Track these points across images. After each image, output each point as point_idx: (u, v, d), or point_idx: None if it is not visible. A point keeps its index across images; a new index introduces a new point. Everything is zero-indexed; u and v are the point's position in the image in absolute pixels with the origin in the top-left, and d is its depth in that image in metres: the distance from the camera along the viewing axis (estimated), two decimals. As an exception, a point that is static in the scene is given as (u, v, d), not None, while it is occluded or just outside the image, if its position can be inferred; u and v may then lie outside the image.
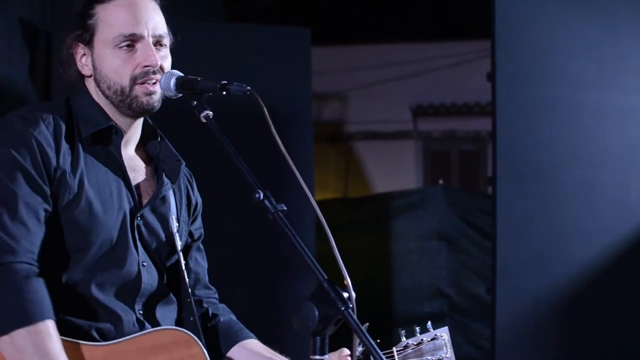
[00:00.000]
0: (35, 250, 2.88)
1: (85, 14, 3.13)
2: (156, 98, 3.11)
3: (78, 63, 3.17)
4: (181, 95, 3.05)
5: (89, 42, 3.13)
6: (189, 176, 3.46)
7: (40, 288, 2.83)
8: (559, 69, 6.48)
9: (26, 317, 2.77)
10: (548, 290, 6.41)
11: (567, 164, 6.47)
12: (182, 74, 3.07)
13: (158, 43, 3.13)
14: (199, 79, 2.98)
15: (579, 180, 6.47)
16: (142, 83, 3.08)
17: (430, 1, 13.18)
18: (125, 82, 3.08)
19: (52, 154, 2.97)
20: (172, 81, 3.04)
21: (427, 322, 3.28)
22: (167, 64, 3.14)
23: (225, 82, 2.90)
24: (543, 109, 6.46)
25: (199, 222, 3.48)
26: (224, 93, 2.90)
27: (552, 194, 6.46)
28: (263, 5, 12.62)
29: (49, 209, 2.95)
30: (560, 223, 6.44)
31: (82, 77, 3.21)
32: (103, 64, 3.11)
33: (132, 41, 3.08)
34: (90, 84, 3.19)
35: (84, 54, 3.15)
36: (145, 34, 3.10)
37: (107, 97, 3.13)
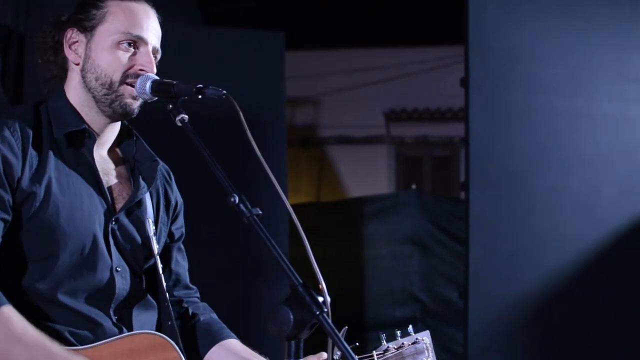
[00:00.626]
0: None
1: (94, 5, 3.13)
2: (137, 104, 3.11)
3: (67, 49, 3.15)
4: (157, 98, 3.05)
5: (89, 30, 3.12)
6: (167, 175, 3.43)
7: None
8: (532, 75, 6.50)
9: None
10: (520, 295, 6.44)
11: (539, 170, 6.50)
12: (157, 78, 3.08)
13: (153, 55, 3.15)
14: (175, 82, 2.98)
15: (551, 186, 6.50)
16: (131, 84, 3.07)
17: (404, 6, 13.19)
18: (117, 77, 3.08)
19: (16, 162, 2.94)
20: (148, 84, 3.04)
21: (404, 326, 3.28)
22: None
23: (201, 85, 2.90)
24: (516, 115, 6.49)
25: (180, 221, 3.46)
26: (200, 97, 2.90)
27: (524, 199, 6.49)
28: (238, 8, 12.60)
29: (7, 218, 2.92)
30: (532, 228, 6.47)
31: (64, 70, 3.19)
32: (99, 54, 3.10)
33: (135, 42, 3.11)
34: (74, 76, 3.16)
35: (77, 41, 3.14)
36: (149, 41, 3.13)
37: (90, 88, 3.11)
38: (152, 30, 3.15)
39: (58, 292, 2.98)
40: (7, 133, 2.96)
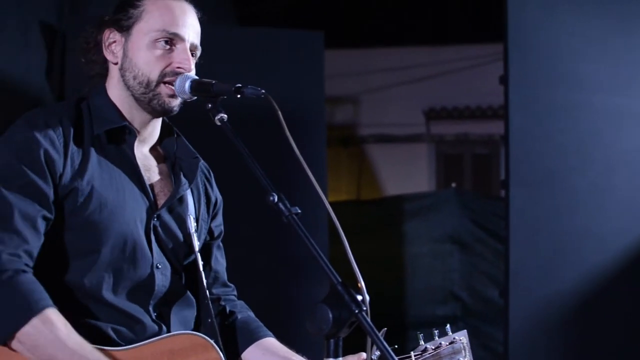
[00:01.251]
0: (27, 257, 2.87)
1: (131, 3, 3.15)
2: (176, 102, 3.12)
3: (105, 49, 3.17)
4: (196, 98, 3.07)
5: (127, 30, 3.14)
6: (207, 172, 3.45)
7: (27, 282, 2.82)
8: (572, 73, 6.46)
9: (21, 315, 2.77)
10: (560, 293, 6.40)
11: (579, 168, 6.46)
12: (197, 77, 3.09)
13: (191, 52, 3.15)
14: (214, 82, 3.00)
15: (592, 183, 6.46)
16: (169, 83, 3.09)
17: (443, 5, 13.16)
18: (154, 76, 3.09)
19: (58, 159, 2.97)
20: (187, 84, 3.05)
21: (444, 325, 3.26)
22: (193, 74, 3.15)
23: (240, 85, 2.91)
24: (556, 113, 6.45)
25: (219, 219, 3.47)
26: (239, 96, 2.91)
27: (564, 197, 6.45)
28: (275, 8, 12.63)
29: (50, 216, 2.94)
30: (572, 226, 6.43)
31: (105, 69, 3.21)
32: (136, 53, 3.11)
33: (172, 40, 3.11)
34: (114, 75, 3.19)
35: (115, 41, 3.16)
36: (186, 38, 3.13)
37: (129, 87, 3.13)
38: (189, 27, 3.15)
39: (99, 287, 3.01)
40: (49, 130, 2.99)
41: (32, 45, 6.33)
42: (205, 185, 3.41)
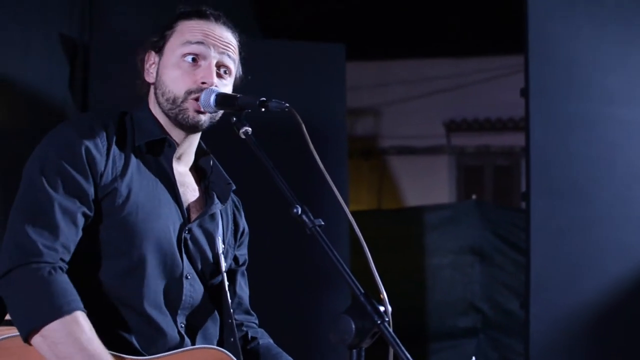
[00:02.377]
0: (64, 251, 2.91)
1: (166, 25, 3.24)
2: (204, 118, 3.16)
3: (145, 70, 3.25)
4: (221, 111, 3.12)
5: (160, 50, 3.22)
6: (237, 202, 3.50)
7: (63, 282, 2.86)
8: (593, 84, 6.46)
9: (52, 311, 2.80)
10: (582, 305, 6.39)
11: (601, 180, 6.45)
12: (221, 91, 3.13)
13: (221, 71, 3.21)
14: (239, 95, 3.04)
15: (613, 195, 6.44)
16: (195, 99, 3.13)
17: (463, 16, 13.17)
18: (180, 92, 3.14)
19: (100, 158, 3.02)
20: (212, 98, 3.09)
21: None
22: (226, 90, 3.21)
23: (265, 99, 2.95)
24: (577, 125, 6.45)
25: (244, 248, 3.51)
26: (263, 110, 2.96)
27: (586, 209, 6.44)
28: (296, 20, 12.67)
29: (89, 213, 2.99)
30: (594, 238, 6.41)
31: (148, 88, 3.29)
32: (165, 72, 3.18)
33: (197, 56, 3.16)
34: (152, 93, 3.26)
35: (153, 62, 3.24)
36: (211, 54, 3.18)
37: (160, 104, 3.20)
38: (215, 43, 3.20)
39: (129, 290, 3.04)
40: (92, 131, 3.05)
41: (55, 58, 6.39)
42: (234, 213, 3.47)
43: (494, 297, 10.06)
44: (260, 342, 3.48)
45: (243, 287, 3.52)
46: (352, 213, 2.78)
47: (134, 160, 3.12)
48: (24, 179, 3.01)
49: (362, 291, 2.59)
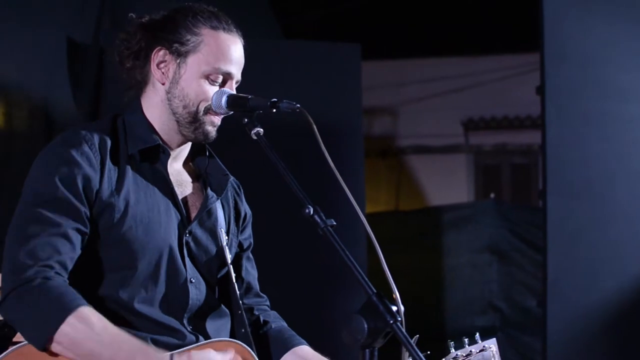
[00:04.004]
0: (60, 268, 2.91)
1: (188, 29, 3.15)
2: (215, 130, 3.18)
3: (154, 67, 3.18)
4: (232, 112, 3.11)
5: (181, 55, 3.14)
6: (237, 188, 3.48)
7: (59, 286, 2.86)
8: (609, 82, 6.45)
9: (56, 316, 2.81)
10: (599, 303, 6.38)
11: (617, 178, 6.43)
12: (233, 92, 3.13)
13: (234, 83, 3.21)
14: (250, 96, 3.04)
15: (630, 193, 6.43)
16: (213, 114, 3.14)
17: (479, 15, 13.14)
18: (202, 107, 3.13)
19: (94, 176, 3.00)
20: (224, 99, 3.10)
21: (484, 335, 3.28)
22: None
23: (275, 99, 2.95)
24: (593, 122, 6.44)
25: (248, 232, 3.49)
26: (274, 110, 2.96)
27: (603, 207, 6.43)
28: (312, 20, 12.68)
29: (84, 229, 2.98)
30: (611, 236, 6.40)
31: (144, 82, 3.23)
32: (189, 83, 3.13)
33: (224, 77, 3.15)
34: (157, 93, 3.20)
35: (165, 62, 3.17)
36: (235, 75, 3.18)
37: (175, 113, 3.16)
38: (238, 63, 3.19)
39: (135, 301, 3.05)
40: (85, 147, 3.02)
41: (64, 62, 6.39)
42: (235, 199, 3.45)
43: (512, 295, 10.05)
44: (273, 325, 3.47)
45: (250, 271, 3.51)
46: (370, 215, 2.79)
47: (128, 170, 3.10)
48: (20, 199, 3.01)
49: (374, 291, 2.60)
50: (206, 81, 3.14)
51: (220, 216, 3.33)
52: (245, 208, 3.48)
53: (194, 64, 3.14)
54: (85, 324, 2.82)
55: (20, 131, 5.99)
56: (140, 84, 3.24)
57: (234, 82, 3.18)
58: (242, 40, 3.24)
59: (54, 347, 2.82)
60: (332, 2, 12.65)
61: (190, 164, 3.36)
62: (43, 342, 2.82)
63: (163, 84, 3.18)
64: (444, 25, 13.37)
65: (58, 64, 6.37)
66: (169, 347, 3.04)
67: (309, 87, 6.78)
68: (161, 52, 3.17)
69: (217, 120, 3.17)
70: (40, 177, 3.00)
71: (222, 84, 3.16)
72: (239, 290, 3.36)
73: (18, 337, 3.03)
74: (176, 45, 3.14)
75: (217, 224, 3.30)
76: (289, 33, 11.04)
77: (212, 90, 3.14)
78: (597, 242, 6.40)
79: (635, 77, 6.45)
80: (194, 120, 3.14)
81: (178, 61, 3.15)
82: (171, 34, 3.16)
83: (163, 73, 3.18)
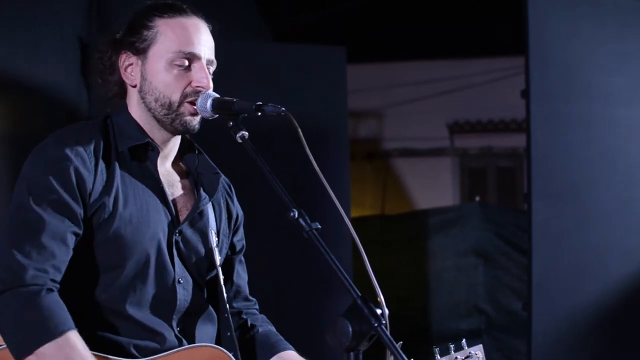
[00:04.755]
0: (54, 272, 2.90)
1: (143, 25, 3.16)
2: (197, 120, 3.15)
3: (122, 73, 3.20)
4: (217, 116, 3.10)
5: (142, 53, 3.16)
6: (228, 188, 3.47)
7: (52, 303, 2.85)
8: (593, 86, 6.46)
9: (44, 334, 2.80)
10: (584, 306, 6.39)
11: (602, 181, 6.45)
12: (218, 96, 3.12)
13: (207, 68, 3.18)
14: (235, 100, 3.03)
15: (615, 196, 6.45)
16: (191, 102, 3.12)
17: (465, 18, 13.17)
18: (176, 97, 3.12)
19: (88, 176, 3.00)
20: (209, 102, 3.09)
21: (462, 339, 3.28)
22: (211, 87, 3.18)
23: (261, 103, 2.95)
24: (578, 126, 6.45)
25: (240, 233, 3.49)
26: (259, 114, 2.95)
27: (587, 210, 6.44)
28: (298, 23, 12.69)
29: (79, 231, 2.98)
30: (595, 240, 6.42)
31: (123, 89, 3.24)
32: (155, 76, 3.14)
33: (189, 59, 3.13)
34: (133, 96, 3.22)
35: (131, 64, 3.18)
36: (202, 55, 3.15)
37: (150, 109, 3.16)
38: (204, 44, 3.17)
39: (122, 302, 3.05)
40: (79, 147, 3.03)
41: (68, 59, 6.40)
42: (226, 200, 3.44)
43: (497, 298, 10.07)
44: (260, 329, 3.47)
45: (241, 275, 3.51)
46: (356, 219, 2.79)
47: (118, 170, 3.10)
48: (13, 198, 3.00)
49: (359, 294, 2.60)
50: (173, 69, 3.12)
51: (211, 217, 3.32)
52: (237, 209, 3.48)
53: (155, 55, 3.14)
54: (68, 352, 2.81)
55: (31, 128, 6.00)
56: (120, 93, 3.26)
57: (202, 62, 3.14)
58: (206, 23, 3.23)
59: None
60: (320, 5, 12.65)
61: (180, 163, 3.35)
62: (22, 354, 2.82)
63: (134, 86, 3.19)
64: (430, 28, 13.39)
65: (67, 60, 6.39)
66: (149, 352, 3.05)
67: (294, 90, 6.77)
68: (125, 56, 3.18)
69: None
70: (34, 177, 2.99)
71: (189, 67, 3.13)
72: (228, 293, 3.37)
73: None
74: (136, 45, 3.16)
75: (208, 225, 3.29)
76: (277, 36, 11.05)
77: (180, 76, 3.12)
78: (582, 245, 6.41)
79: (620, 80, 6.47)
80: (169, 111, 3.13)
81: (141, 59, 3.16)
82: (131, 36, 3.17)
83: (132, 75, 3.18)
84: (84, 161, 3.02)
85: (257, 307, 3.57)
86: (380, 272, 2.70)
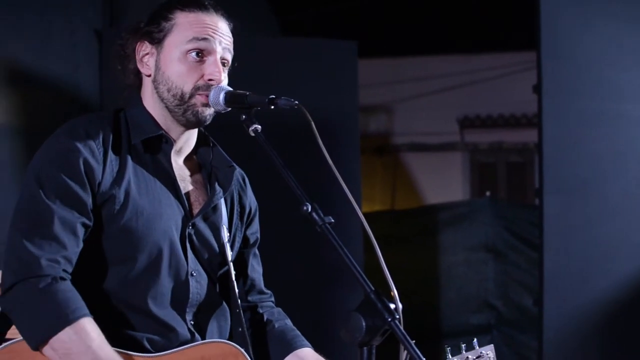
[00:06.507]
0: (65, 263, 2.91)
1: (163, 16, 3.18)
2: (209, 111, 3.14)
3: (138, 61, 3.21)
4: (230, 109, 3.09)
5: (158, 42, 3.17)
6: (242, 181, 3.46)
7: (66, 291, 2.86)
8: (605, 81, 6.44)
9: (58, 322, 2.81)
10: (595, 301, 6.38)
11: (613, 176, 6.44)
12: (231, 89, 3.11)
13: (222, 64, 3.17)
14: (248, 93, 3.02)
15: (626, 191, 6.43)
16: (203, 95, 3.11)
17: (476, 13, 13.15)
18: (187, 88, 3.11)
19: (97, 167, 3.00)
20: (222, 96, 3.08)
21: (473, 337, 3.26)
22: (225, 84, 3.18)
23: (274, 96, 2.94)
24: (589, 121, 6.43)
25: (254, 226, 3.48)
26: (272, 107, 2.94)
27: (599, 205, 6.43)
28: (309, 18, 12.68)
29: (88, 222, 2.98)
30: (607, 235, 6.40)
31: (139, 79, 3.25)
32: (169, 66, 3.14)
33: (202, 51, 3.13)
34: (147, 86, 3.22)
35: (148, 53, 3.19)
36: (217, 49, 3.14)
37: (163, 99, 3.16)
38: (219, 38, 3.17)
39: (135, 294, 3.04)
40: (88, 138, 3.02)
41: (80, 47, 6.41)
42: (239, 193, 3.43)
43: (508, 293, 10.04)
44: (276, 325, 3.45)
45: (255, 268, 3.50)
46: (365, 214, 2.77)
47: (130, 161, 3.10)
48: (22, 190, 3.00)
49: (373, 288, 2.59)
50: (186, 60, 3.12)
51: (223, 211, 3.31)
52: (250, 201, 3.47)
53: (170, 45, 3.15)
54: (83, 338, 2.82)
55: (43, 120, 6.01)
56: (136, 81, 3.26)
57: (216, 57, 3.14)
58: (226, 20, 3.23)
59: (47, 350, 2.82)
60: (330, 0, 12.64)
61: (194, 157, 3.34)
62: (37, 343, 2.82)
63: (149, 76, 3.20)
64: (441, 23, 13.39)
65: (80, 51, 6.40)
66: (162, 347, 3.05)
67: (305, 84, 6.77)
68: (142, 45, 3.20)
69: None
70: (44, 168, 2.98)
71: (203, 61, 3.13)
72: (242, 287, 3.37)
73: (10, 333, 3.02)
74: (154, 34, 3.17)
75: (221, 220, 3.28)
76: (287, 30, 11.04)
77: (193, 68, 3.12)
78: (594, 240, 6.40)
79: (632, 75, 6.45)
80: (181, 102, 3.13)
81: (157, 49, 3.17)
82: (150, 26, 3.19)
83: (147, 65, 3.20)
84: (93, 152, 3.01)
85: (272, 299, 3.55)
86: (389, 267, 2.68)
